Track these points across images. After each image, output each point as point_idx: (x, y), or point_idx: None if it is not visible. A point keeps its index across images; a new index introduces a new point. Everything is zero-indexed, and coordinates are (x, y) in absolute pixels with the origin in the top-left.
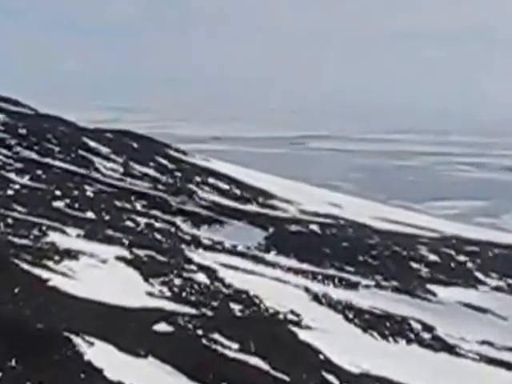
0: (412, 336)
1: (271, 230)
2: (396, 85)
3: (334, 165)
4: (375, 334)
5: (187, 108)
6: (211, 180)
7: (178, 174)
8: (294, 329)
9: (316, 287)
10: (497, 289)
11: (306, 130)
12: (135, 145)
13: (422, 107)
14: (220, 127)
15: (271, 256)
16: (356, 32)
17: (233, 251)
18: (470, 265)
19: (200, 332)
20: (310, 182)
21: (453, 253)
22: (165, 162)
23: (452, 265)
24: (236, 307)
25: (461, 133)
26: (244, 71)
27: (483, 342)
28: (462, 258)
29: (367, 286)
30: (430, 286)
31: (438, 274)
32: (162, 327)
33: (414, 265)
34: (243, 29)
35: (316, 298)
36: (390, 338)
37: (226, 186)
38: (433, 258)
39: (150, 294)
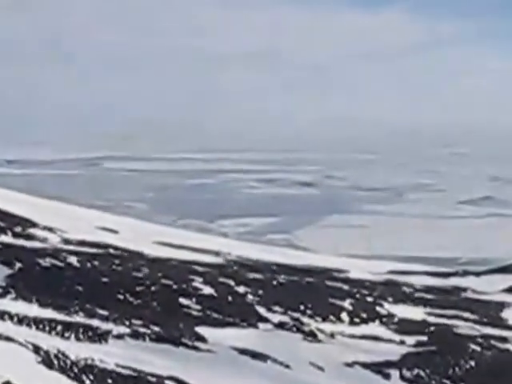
0: None
1: (18, 265)
2: (200, 106)
3: (128, 185)
4: None
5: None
6: None
7: None
8: None
9: (50, 343)
10: (280, 325)
11: (106, 151)
12: None
13: (220, 127)
14: (23, 150)
15: (5, 302)
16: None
17: None
18: (250, 297)
19: None
20: (96, 205)
21: (232, 283)
22: None
23: (230, 298)
24: None
25: (256, 150)
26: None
27: None
28: (242, 289)
29: (120, 336)
30: (199, 329)
31: (211, 311)
32: None
33: (185, 301)
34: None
35: (46, 359)
36: None
37: None
38: (208, 290)
39: None
